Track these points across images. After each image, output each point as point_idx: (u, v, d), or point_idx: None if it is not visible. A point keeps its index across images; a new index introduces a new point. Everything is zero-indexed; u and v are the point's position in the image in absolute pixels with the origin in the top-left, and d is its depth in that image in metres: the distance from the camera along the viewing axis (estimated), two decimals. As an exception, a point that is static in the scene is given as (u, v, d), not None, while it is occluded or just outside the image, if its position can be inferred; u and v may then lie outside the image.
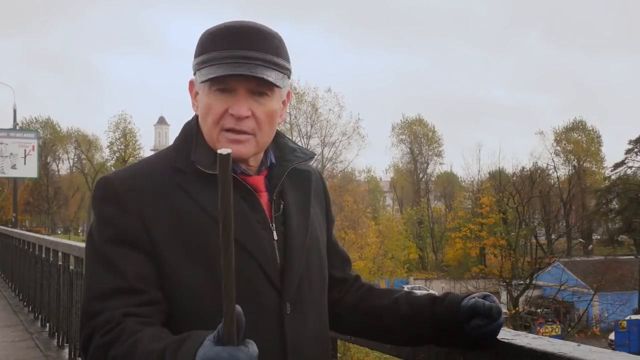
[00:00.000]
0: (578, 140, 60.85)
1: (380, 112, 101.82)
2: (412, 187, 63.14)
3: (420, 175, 63.73)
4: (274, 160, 1.47)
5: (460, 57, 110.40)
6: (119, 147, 59.38)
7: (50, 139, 62.21)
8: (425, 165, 64.37)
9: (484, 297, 1.41)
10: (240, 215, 1.34)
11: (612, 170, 50.44)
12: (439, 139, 64.56)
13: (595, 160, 60.95)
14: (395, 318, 1.51)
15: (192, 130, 1.44)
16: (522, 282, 32.66)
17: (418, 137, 63.71)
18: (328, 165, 44.16)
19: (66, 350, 6.04)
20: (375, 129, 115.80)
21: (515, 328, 20.43)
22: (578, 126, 62.23)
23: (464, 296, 1.44)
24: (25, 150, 26.56)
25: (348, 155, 47.96)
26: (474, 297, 1.41)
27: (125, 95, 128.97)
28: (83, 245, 5.92)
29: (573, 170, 59.19)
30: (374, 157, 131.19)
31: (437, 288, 41.26)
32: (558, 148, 59.75)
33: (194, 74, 1.41)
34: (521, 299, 32.22)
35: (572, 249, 48.76)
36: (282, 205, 1.45)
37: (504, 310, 26.47)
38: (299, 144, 1.59)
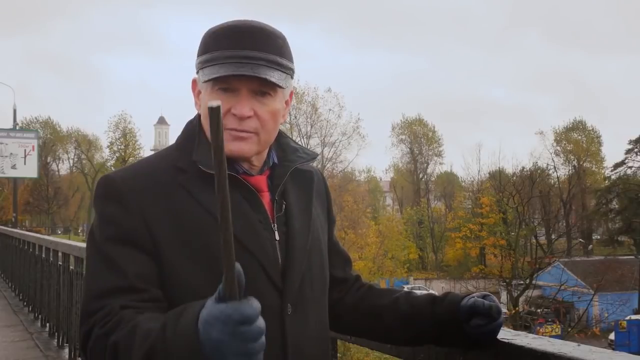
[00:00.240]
0: (578, 140, 60.86)
1: (380, 112, 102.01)
2: (412, 187, 63.14)
3: (420, 175, 63.73)
4: (276, 161, 1.47)
5: (459, 57, 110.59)
6: (119, 147, 59.40)
7: (50, 139, 62.22)
8: (425, 165, 64.40)
9: (484, 296, 1.41)
10: (242, 215, 1.34)
11: (612, 170, 50.47)
12: (439, 139, 64.63)
13: (595, 160, 60.96)
14: (395, 318, 1.51)
15: (194, 129, 1.43)
16: (522, 282, 32.65)
17: (418, 137, 63.71)
18: (328, 165, 44.17)
19: (66, 350, 6.04)
20: (375, 129, 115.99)
21: (515, 328, 20.43)
22: (578, 126, 62.25)
23: (463, 296, 1.45)
24: (25, 150, 26.56)
25: (348, 155, 48.08)
26: (474, 297, 1.41)
27: (125, 95, 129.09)
28: (83, 245, 5.92)
29: (573, 170, 59.20)
30: (374, 157, 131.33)
31: (437, 288, 41.25)
32: (558, 148, 59.82)
33: (197, 72, 1.40)
34: (521, 299, 32.20)
35: (572, 249, 48.75)
36: (284, 206, 1.45)
37: (504, 310, 26.49)
38: (300, 144, 1.59)
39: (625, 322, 31.29)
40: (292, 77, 1.41)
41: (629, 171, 48.32)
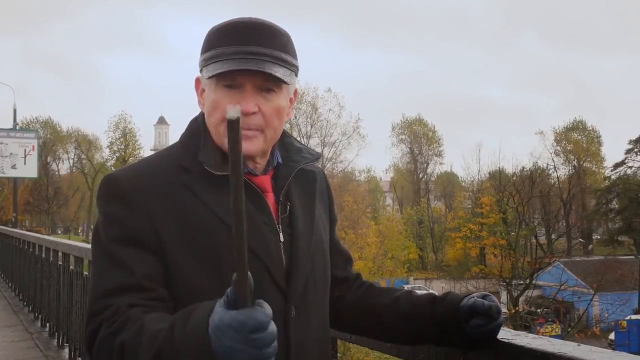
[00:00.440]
0: (578, 140, 60.85)
1: (380, 112, 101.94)
2: (412, 187, 63.12)
3: (420, 175, 63.72)
4: (280, 160, 1.46)
5: (458, 57, 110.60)
6: (119, 147, 59.38)
7: (50, 139, 62.20)
8: (425, 165, 64.39)
9: (484, 296, 1.41)
10: (247, 217, 1.32)
11: (612, 170, 50.46)
12: (439, 139, 64.61)
13: (595, 160, 60.95)
14: (396, 317, 1.51)
15: (198, 126, 1.42)
16: (522, 282, 32.64)
17: (418, 137, 63.69)
18: (328, 165, 44.21)
19: (66, 350, 6.04)
20: (375, 129, 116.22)
21: (515, 328, 20.43)
22: (578, 126, 62.24)
23: (463, 296, 1.44)
24: (25, 150, 26.56)
25: (348, 155, 48.21)
26: (474, 297, 1.41)
27: (125, 96, 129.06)
28: (83, 245, 5.92)
29: (573, 170, 59.18)
30: (374, 157, 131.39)
31: (437, 288, 41.23)
32: (558, 148, 59.81)
33: (200, 70, 1.39)
34: (521, 299, 32.19)
35: (572, 249, 48.72)
36: (288, 207, 1.44)
37: (504, 310, 26.50)
38: (303, 143, 1.58)
39: (625, 322, 31.29)
40: (296, 75, 1.40)
41: (629, 171, 48.33)
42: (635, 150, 47.76)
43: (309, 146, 1.58)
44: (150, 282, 1.26)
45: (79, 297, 5.40)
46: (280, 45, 1.34)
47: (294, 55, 1.38)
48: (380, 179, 71.02)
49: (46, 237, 9.87)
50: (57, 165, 65.93)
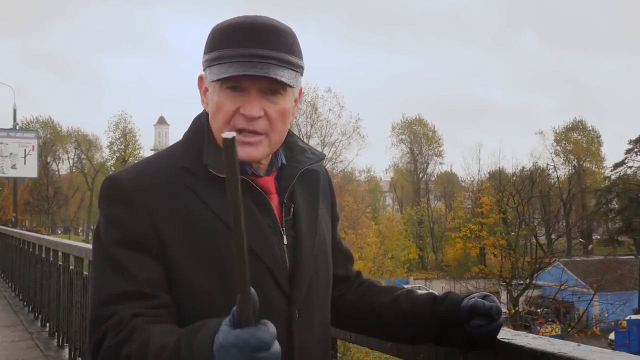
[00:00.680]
0: (578, 140, 60.84)
1: (380, 112, 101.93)
2: (412, 187, 63.12)
3: (420, 175, 63.72)
4: (284, 161, 1.44)
5: (458, 57, 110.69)
6: (119, 147, 59.36)
7: (50, 139, 62.20)
8: (425, 165, 64.39)
9: (484, 297, 1.41)
10: (251, 219, 1.30)
11: (612, 170, 50.45)
12: (439, 139, 64.62)
13: (595, 160, 60.94)
14: (396, 316, 1.50)
15: (202, 126, 1.40)
16: (522, 282, 32.65)
17: (418, 137, 63.70)
18: (328, 165, 44.17)
19: (66, 350, 6.04)
20: (375, 129, 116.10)
21: (515, 328, 20.42)
22: (578, 126, 62.24)
23: (464, 296, 1.44)
24: (25, 150, 26.55)
25: (348, 155, 48.19)
26: (474, 297, 1.41)
27: (124, 96, 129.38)
28: (83, 245, 5.93)
29: (573, 170, 59.18)
30: (374, 157, 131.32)
31: (437, 288, 41.21)
32: (558, 148, 59.80)
33: (203, 69, 1.37)
34: (521, 299, 32.20)
35: (572, 249, 48.75)
36: (292, 209, 1.42)
37: (504, 310, 26.47)
38: (307, 143, 1.56)
39: (625, 322, 31.29)
40: (301, 75, 1.37)
41: (629, 171, 48.33)
42: (635, 150, 47.76)
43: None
44: (152, 289, 1.25)
45: (79, 297, 5.40)
46: (286, 46, 1.31)
47: (300, 56, 1.35)
48: (380, 179, 71.05)
49: (46, 237, 9.87)
50: (57, 165, 66.02)
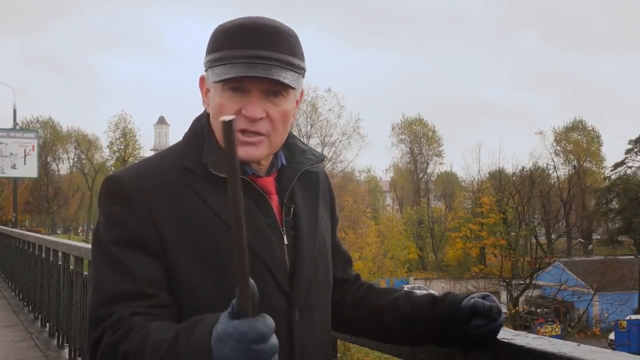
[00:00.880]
0: (578, 140, 60.85)
1: (380, 112, 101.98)
2: (412, 187, 63.12)
3: (420, 175, 63.73)
4: (284, 162, 1.44)
5: (458, 57, 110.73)
6: (119, 147, 59.34)
7: (50, 139, 62.20)
8: (425, 165, 64.40)
9: (484, 297, 1.41)
10: (251, 219, 1.30)
11: (612, 170, 50.44)
12: (439, 139, 64.64)
13: (595, 160, 60.95)
14: (396, 317, 1.50)
15: (202, 126, 1.40)
16: (522, 282, 32.62)
17: (418, 137, 63.70)
18: (328, 165, 44.18)
19: (66, 350, 6.04)
20: (375, 129, 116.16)
21: (515, 328, 20.42)
22: (578, 126, 62.24)
23: (464, 296, 1.44)
24: (25, 150, 26.56)
25: (348, 155, 48.20)
26: (474, 297, 1.41)
27: (124, 96, 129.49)
28: (83, 245, 5.93)
29: (573, 170, 59.18)
30: (374, 157, 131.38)
31: (437, 288, 41.23)
32: (558, 148, 59.82)
33: (205, 70, 1.37)
34: (521, 299, 32.18)
35: (572, 249, 48.73)
36: (292, 209, 1.43)
37: (504, 310, 26.47)
38: (307, 144, 1.57)
39: (625, 322, 31.29)
40: (303, 76, 1.38)
41: (629, 171, 48.31)
42: (635, 150, 47.74)
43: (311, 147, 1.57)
44: (152, 288, 1.25)
45: (79, 297, 5.40)
46: (288, 48, 1.31)
47: (302, 57, 1.35)
48: (380, 179, 71.05)
49: (46, 237, 9.87)
50: (57, 165, 66.02)
